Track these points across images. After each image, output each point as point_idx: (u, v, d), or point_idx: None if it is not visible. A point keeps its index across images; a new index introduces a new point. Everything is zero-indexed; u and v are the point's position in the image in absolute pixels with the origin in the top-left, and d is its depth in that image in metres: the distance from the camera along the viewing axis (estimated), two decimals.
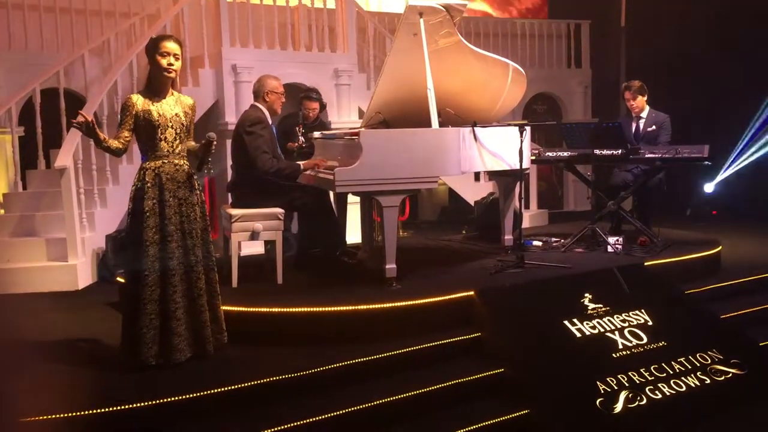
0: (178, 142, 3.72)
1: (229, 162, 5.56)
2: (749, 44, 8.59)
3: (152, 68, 3.69)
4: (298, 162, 5.11)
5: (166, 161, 3.69)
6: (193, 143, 3.87)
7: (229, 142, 5.69)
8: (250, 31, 7.25)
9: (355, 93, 7.93)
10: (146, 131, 3.66)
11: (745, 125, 8.78)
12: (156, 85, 3.70)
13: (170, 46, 3.65)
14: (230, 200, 5.20)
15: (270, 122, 5.04)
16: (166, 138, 3.67)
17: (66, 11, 7.52)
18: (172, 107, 3.71)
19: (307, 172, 5.06)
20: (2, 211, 6.20)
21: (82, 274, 5.76)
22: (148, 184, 3.64)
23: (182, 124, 3.72)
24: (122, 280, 4.56)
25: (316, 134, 5.65)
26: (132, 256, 3.63)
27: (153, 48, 3.66)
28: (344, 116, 7.83)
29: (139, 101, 3.66)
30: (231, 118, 6.90)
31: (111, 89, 6.41)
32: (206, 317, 3.74)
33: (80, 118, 3.51)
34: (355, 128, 5.70)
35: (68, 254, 5.70)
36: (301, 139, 5.77)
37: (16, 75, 6.91)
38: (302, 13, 7.78)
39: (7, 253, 5.77)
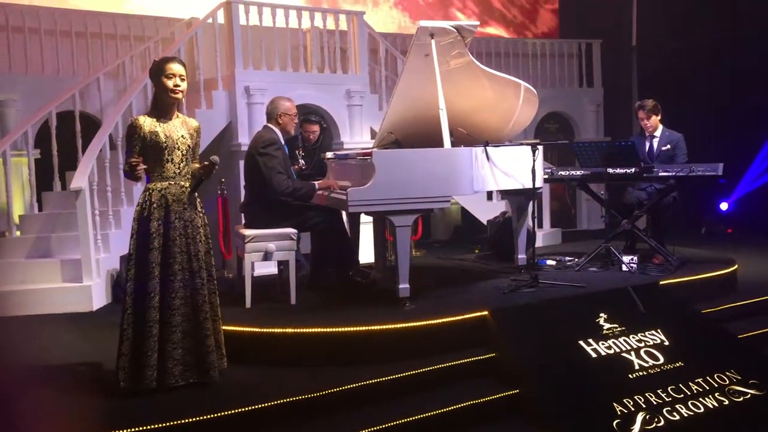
0: (184, 164, 3.72)
1: (242, 182, 5.59)
2: (762, 60, 8.57)
3: (158, 90, 3.70)
4: (313, 181, 5.13)
5: (172, 183, 3.68)
6: (197, 165, 3.84)
7: (242, 163, 5.72)
8: (263, 53, 7.32)
9: (367, 113, 7.96)
10: (153, 153, 3.65)
11: (760, 142, 8.74)
12: (162, 107, 3.71)
13: (175, 67, 3.66)
14: (243, 221, 5.22)
15: (283, 143, 5.07)
16: (173, 160, 3.67)
17: (82, 35, 7.63)
18: (178, 129, 3.71)
19: (320, 192, 5.07)
20: (18, 233, 6.25)
21: (97, 295, 5.78)
22: (154, 205, 3.63)
23: (188, 146, 3.72)
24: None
25: (329, 155, 5.67)
26: (137, 277, 3.61)
27: (158, 70, 3.67)
28: (356, 137, 7.86)
29: (146, 123, 3.65)
30: (244, 139, 6.95)
31: (126, 111, 6.47)
32: (211, 342, 3.67)
33: (141, 167, 3.56)
34: (367, 148, 5.71)
35: (83, 275, 5.73)
36: (302, 162, 5.80)
37: (32, 98, 7.00)
38: (314, 35, 7.85)
39: (21, 275, 5.81)
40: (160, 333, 3.58)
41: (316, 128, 6.36)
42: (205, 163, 3.73)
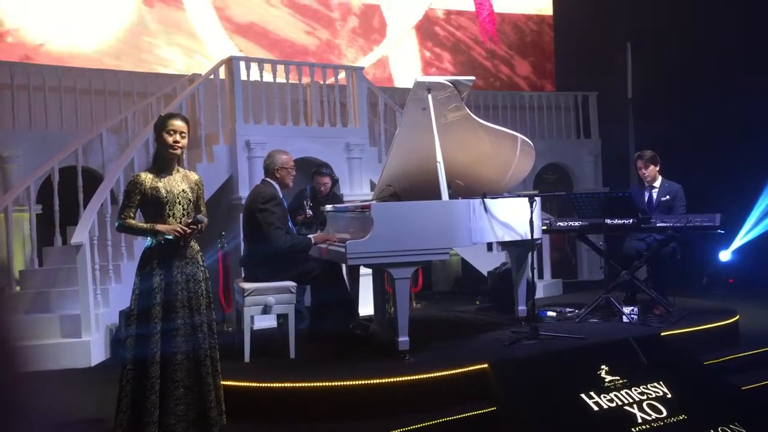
0: (186, 218, 3.74)
1: (242, 236, 5.62)
2: (757, 109, 8.65)
3: (159, 145, 3.75)
4: (309, 236, 5.17)
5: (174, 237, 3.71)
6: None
7: (242, 217, 5.76)
8: (263, 108, 7.43)
9: (366, 166, 8.05)
10: (154, 208, 3.68)
11: (757, 192, 8.78)
12: (162, 162, 3.74)
13: (177, 124, 3.71)
14: (243, 274, 5.22)
15: (282, 197, 5.11)
16: (173, 214, 3.68)
17: (85, 92, 7.76)
18: (179, 183, 3.73)
19: (319, 245, 5.10)
20: (18, 288, 6.25)
21: (95, 351, 5.74)
22: (156, 260, 3.65)
23: (189, 200, 3.74)
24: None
25: (328, 207, 5.71)
26: (138, 332, 3.59)
27: (160, 125, 3.72)
28: (356, 189, 7.93)
29: (147, 178, 3.69)
30: (245, 193, 6.99)
31: (127, 167, 6.54)
32: (213, 397, 3.63)
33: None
34: (366, 201, 5.76)
35: (82, 330, 5.70)
36: (309, 212, 5.88)
37: (36, 153, 7.08)
38: (314, 89, 7.98)
39: (21, 331, 5.76)
40: (162, 389, 3.53)
41: (327, 180, 6.45)
42: (188, 220, 3.69)
